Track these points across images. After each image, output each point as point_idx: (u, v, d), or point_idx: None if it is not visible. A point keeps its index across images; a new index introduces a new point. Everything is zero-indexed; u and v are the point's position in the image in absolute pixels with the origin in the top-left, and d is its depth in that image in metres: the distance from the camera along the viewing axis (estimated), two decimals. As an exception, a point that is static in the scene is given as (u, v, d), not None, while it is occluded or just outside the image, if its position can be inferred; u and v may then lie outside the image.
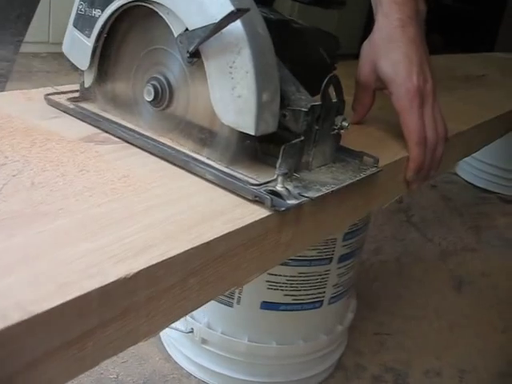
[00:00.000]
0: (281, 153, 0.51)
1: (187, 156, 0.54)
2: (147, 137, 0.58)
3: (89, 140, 0.58)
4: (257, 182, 0.50)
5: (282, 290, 0.96)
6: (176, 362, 1.12)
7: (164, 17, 0.54)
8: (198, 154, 0.56)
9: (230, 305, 0.99)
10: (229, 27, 0.49)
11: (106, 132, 0.60)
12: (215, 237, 0.43)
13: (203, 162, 0.53)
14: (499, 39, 3.50)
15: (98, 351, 0.37)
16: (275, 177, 0.50)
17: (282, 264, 0.93)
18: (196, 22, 0.51)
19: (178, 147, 0.56)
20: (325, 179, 0.55)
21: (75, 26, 0.61)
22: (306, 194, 0.50)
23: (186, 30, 0.52)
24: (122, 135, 0.58)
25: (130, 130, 0.59)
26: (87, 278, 0.34)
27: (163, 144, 0.56)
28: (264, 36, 0.51)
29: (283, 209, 0.47)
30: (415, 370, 1.24)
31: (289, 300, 0.98)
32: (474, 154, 2.27)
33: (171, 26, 0.53)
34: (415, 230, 1.87)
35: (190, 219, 0.45)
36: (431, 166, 0.71)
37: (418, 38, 0.70)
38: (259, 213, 0.48)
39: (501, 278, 1.67)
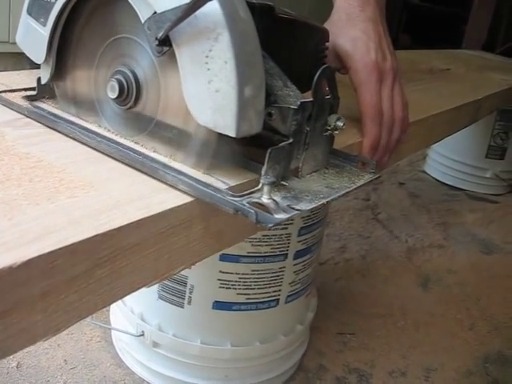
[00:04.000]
0: (266, 158, 0.44)
1: (156, 162, 0.47)
2: (111, 139, 0.50)
3: (8, 125, 0.54)
4: (238, 193, 0.43)
5: (234, 288, 0.92)
6: (128, 368, 1.07)
7: None
8: (169, 159, 0.49)
9: (181, 305, 0.94)
10: (204, 9, 0.41)
11: (65, 134, 0.52)
12: (127, 223, 0.39)
13: (175, 170, 0.46)
14: (466, 38, 3.51)
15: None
16: (260, 186, 0.43)
17: (233, 261, 0.89)
18: (165, 3, 0.43)
19: (146, 152, 0.49)
20: (317, 188, 0.48)
21: (29, 13, 0.54)
22: (297, 207, 0.42)
23: (155, 13, 0.44)
24: (81, 138, 0.51)
25: (92, 132, 0.51)
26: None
27: (129, 148, 0.49)
28: (246, 20, 0.44)
29: (271, 225, 0.39)
30: (379, 370, 1.20)
31: (242, 299, 0.93)
32: (441, 152, 2.27)
33: (137, 10, 0.46)
34: (382, 228, 1.84)
35: (101, 205, 0.40)
36: (387, 148, 0.69)
37: (377, 18, 0.70)
38: (182, 198, 0.44)
39: (468, 275, 1.64)
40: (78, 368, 1.05)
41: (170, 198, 0.43)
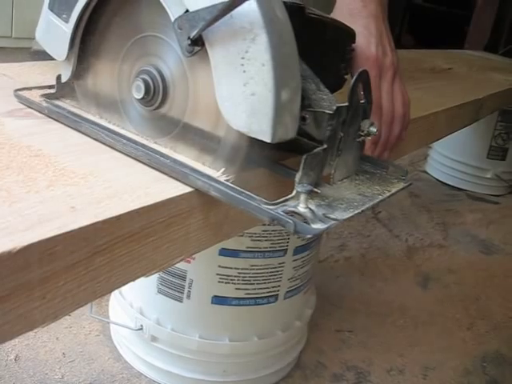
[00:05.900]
0: (301, 165, 0.42)
1: (186, 167, 0.45)
2: (137, 142, 0.48)
3: (9, 115, 0.54)
4: (272, 201, 0.41)
5: (233, 283, 0.92)
6: (126, 362, 1.07)
7: None
8: (197, 162, 0.47)
9: (180, 299, 0.94)
10: (241, 8, 0.40)
11: (87, 135, 0.51)
12: (127, 211, 0.39)
13: (206, 175, 0.44)
14: (468, 39, 3.51)
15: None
16: (294, 194, 0.41)
17: (232, 256, 0.89)
18: (199, 1, 0.42)
19: (173, 155, 0.47)
20: (350, 195, 0.46)
21: (51, 8, 0.52)
22: (333, 216, 0.40)
23: (187, 11, 0.43)
24: (105, 140, 0.49)
25: (116, 133, 0.49)
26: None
27: (156, 151, 0.47)
28: (283, 21, 0.42)
29: (309, 236, 0.39)
30: (377, 368, 1.20)
31: (241, 294, 0.93)
32: (442, 152, 2.27)
33: (167, 8, 0.44)
34: (382, 227, 1.84)
35: (101, 193, 0.41)
36: (387, 144, 0.69)
37: (379, 14, 0.71)
38: (181, 188, 0.44)
39: (467, 275, 1.64)
40: (76, 361, 1.05)
41: (169, 188, 0.44)
